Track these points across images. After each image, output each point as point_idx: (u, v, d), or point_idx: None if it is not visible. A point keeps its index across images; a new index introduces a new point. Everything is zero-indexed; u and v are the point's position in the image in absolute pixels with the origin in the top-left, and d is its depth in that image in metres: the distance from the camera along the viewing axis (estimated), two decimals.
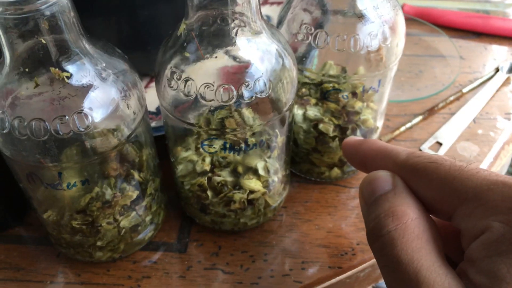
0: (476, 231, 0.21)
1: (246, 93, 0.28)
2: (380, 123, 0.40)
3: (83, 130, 0.26)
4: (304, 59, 0.35)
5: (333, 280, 0.35)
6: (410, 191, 0.24)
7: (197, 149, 0.34)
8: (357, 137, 0.32)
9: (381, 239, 0.22)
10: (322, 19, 0.33)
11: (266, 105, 0.30)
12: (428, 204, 0.24)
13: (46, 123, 0.25)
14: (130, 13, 0.42)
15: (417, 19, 0.60)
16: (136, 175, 0.32)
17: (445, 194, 0.23)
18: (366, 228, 0.25)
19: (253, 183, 0.34)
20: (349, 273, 0.36)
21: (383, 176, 0.25)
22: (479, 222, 0.21)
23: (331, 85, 0.36)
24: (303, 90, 0.38)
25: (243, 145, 0.32)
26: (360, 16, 0.31)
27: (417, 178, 0.24)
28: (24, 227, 0.39)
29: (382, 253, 0.22)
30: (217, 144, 0.32)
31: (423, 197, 0.24)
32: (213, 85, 0.28)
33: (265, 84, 0.28)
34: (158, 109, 0.44)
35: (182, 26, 0.28)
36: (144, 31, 0.43)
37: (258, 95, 0.28)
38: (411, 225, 0.22)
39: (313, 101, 0.38)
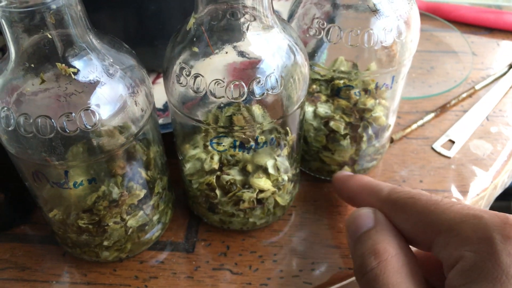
0: (452, 260, 0.23)
1: (257, 90, 0.27)
2: (392, 120, 0.39)
3: (90, 127, 0.25)
4: (314, 54, 0.34)
5: (344, 282, 0.34)
6: (391, 226, 0.27)
7: (205, 147, 0.33)
8: (346, 172, 0.36)
9: (365, 276, 0.25)
10: (335, 13, 0.32)
11: (277, 102, 0.29)
12: (408, 236, 0.26)
13: (52, 120, 0.25)
14: (136, 8, 0.41)
15: (429, 14, 0.59)
16: (143, 173, 0.32)
17: (423, 227, 0.25)
18: (353, 264, 0.27)
19: (262, 182, 0.33)
20: None
21: (365, 213, 0.28)
22: (454, 252, 0.23)
23: (342, 81, 0.35)
24: (314, 86, 0.37)
25: (252, 143, 0.31)
26: (374, 10, 0.30)
27: (397, 213, 0.27)
28: (30, 225, 0.38)
29: None
30: (226, 142, 0.31)
31: (404, 230, 0.27)
32: (223, 82, 0.27)
33: (276, 81, 0.27)
34: (165, 105, 0.44)
35: (192, 21, 0.28)
36: (151, 26, 0.42)
37: (270, 92, 0.27)
38: (391, 261, 0.25)
39: (324, 98, 0.37)
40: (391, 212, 0.27)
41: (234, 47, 0.27)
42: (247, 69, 0.27)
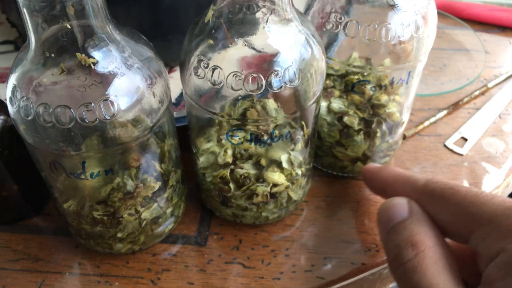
0: (492, 253, 0.23)
1: (275, 82, 0.27)
2: (406, 117, 0.39)
3: (109, 118, 0.25)
4: (327, 49, 0.34)
5: (357, 277, 0.34)
6: (426, 218, 0.26)
7: (219, 140, 0.33)
8: (376, 164, 0.35)
9: (401, 267, 0.25)
10: (351, 7, 0.32)
11: (294, 96, 0.29)
12: (445, 227, 0.26)
13: (72, 110, 0.25)
14: (151, 2, 0.41)
15: (441, 12, 0.59)
16: (158, 166, 0.32)
17: (461, 219, 0.25)
18: (386, 255, 0.27)
19: (276, 176, 0.33)
20: (373, 270, 0.35)
21: (400, 203, 0.27)
22: (494, 245, 0.23)
23: (356, 77, 0.35)
24: (327, 81, 0.37)
25: (265, 137, 0.31)
26: (392, 5, 0.30)
27: (435, 203, 0.26)
28: (42, 217, 0.38)
29: (404, 280, 0.25)
30: (242, 135, 0.31)
31: (441, 221, 0.26)
32: (241, 74, 0.27)
33: (294, 74, 0.27)
34: (177, 99, 0.44)
35: (210, 13, 0.28)
36: (165, 21, 0.42)
37: (288, 85, 0.27)
38: (428, 252, 0.24)
39: (337, 93, 0.37)
40: (427, 202, 0.27)
41: (253, 39, 0.27)
42: (265, 62, 0.27)
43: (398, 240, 0.26)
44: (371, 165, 0.35)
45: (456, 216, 0.25)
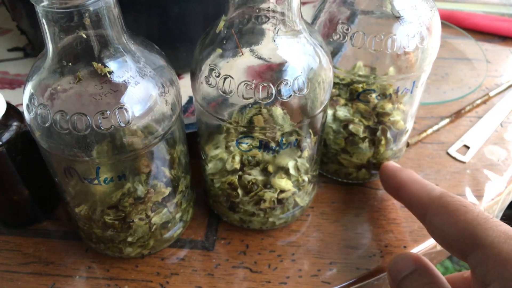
0: (487, 279, 0.24)
1: (284, 91, 0.28)
2: (410, 125, 0.40)
3: (123, 125, 0.26)
4: (333, 58, 0.35)
5: (362, 283, 0.35)
6: (431, 269, 0.28)
7: (227, 147, 0.34)
8: (395, 163, 0.37)
9: None
10: (357, 19, 0.33)
11: (302, 104, 0.30)
12: (449, 240, 0.27)
13: (88, 118, 0.25)
14: (160, 11, 0.42)
15: (443, 22, 0.60)
16: (167, 172, 0.33)
17: (466, 236, 0.26)
18: None
19: (284, 183, 0.34)
20: (378, 275, 0.35)
21: (406, 258, 0.29)
22: (490, 270, 0.24)
23: (361, 85, 0.36)
24: (333, 90, 0.38)
25: (273, 145, 0.32)
26: (398, 16, 0.31)
27: (446, 216, 0.28)
28: (53, 221, 0.39)
29: None
30: (251, 142, 0.32)
31: (446, 233, 0.28)
32: (252, 83, 0.28)
33: (303, 83, 0.28)
34: (184, 106, 0.45)
35: (222, 23, 0.28)
36: (173, 29, 0.43)
37: (297, 94, 0.28)
38: None
39: (343, 101, 0.38)
40: (439, 212, 0.28)
41: (263, 49, 0.28)
42: (274, 71, 0.28)
43: None
44: (391, 163, 0.36)
45: (462, 232, 0.26)
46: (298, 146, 0.33)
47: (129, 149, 0.28)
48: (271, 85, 0.28)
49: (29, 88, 0.27)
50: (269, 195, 0.34)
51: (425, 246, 0.37)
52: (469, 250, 0.25)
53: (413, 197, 0.31)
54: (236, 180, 0.34)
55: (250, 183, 0.34)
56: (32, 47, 0.53)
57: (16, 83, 0.47)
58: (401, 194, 0.33)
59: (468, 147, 0.45)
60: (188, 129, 0.38)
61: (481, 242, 0.25)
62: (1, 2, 0.59)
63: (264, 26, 0.28)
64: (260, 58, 0.28)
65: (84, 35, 0.25)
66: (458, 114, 0.48)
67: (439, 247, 0.37)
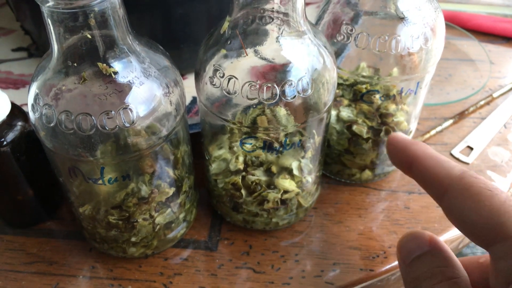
0: (510, 275, 0.22)
1: (289, 92, 0.28)
2: (413, 126, 0.40)
3: (128, 125, 0.26)
4: (336, 58, 0.35)
5: (366, 283, 0.35)
6: (446, 250, 0.26)
7: (231, 147, 0.34)
8: (405, 135, 0.31)
9: None
10: (361, 20, 0.33)
11: (306, 105, 0.30)
12: (471, 226, 0.24)
13: (93, 118, 0.25)
14: (164, 11, 0.42)
15: (446, 23, 0.59)
16: (171, 172, 0.33)
17: (492, 224, 0.23)
18: (405, 286, 0.26)
19: (287, 183, 0.34)
20: (381, 276, 0.35)
21: (420, 237, 0.27)
22: None
23: (364, 86, 0.36)
24: (337, 91, 0.38)
25: (277, 145, 0.32)
26: (402, 18, 0.31)
27: (469, 199, 0.24)
28: (56, 221, 0.39)
29: None
30: (255, 143, 0.32)
31: (468, 219, 0.24)
32: (256, 84, 0.28)
33: (307, 84, 0.28)
34: (188, 106, 0.45)
35: (226, 24, 0.28)
36: (177, 30, 0.43)
37: (301, 94, 0.28)
38: (445, 285, 0.24)
39: (346, 102, 0.38)
40: (461, 194, 0.25)
41: (267, 50, 0.28)
42: (278, 72, 0.28)
43: (417, 272, 0.25)
44: (399, 135, 0.31)
45: (487, 220, 0.23)
46: (302, 146, 0.33)
47: (133, 149, 0.28)
48: (275, 85, 0.28)
49: (34, 88, 0.27)
50: (272, 195, 0.34)
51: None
52: (493, 240, 0.23)
53: (430, 174, 0.27)
54: (240, 180, 0.34)
55: (254, 183, 0.34)
56: (36, 47, 0.53)
57: (20, 83, 0.48)
58: (414, 170, 0.29)
59: (471, 148, 0.45)
60: (192, 130, 0.38)
61: (508, 233, 0.22)
62: (5, 2, 0.59)
63: (269, 26, 0.28)
64: (264, 58, 0.28)
65: (89, 36, 0.25)
66: (461, 115, 0.48)
67: None
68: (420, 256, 0.26)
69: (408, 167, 0.29)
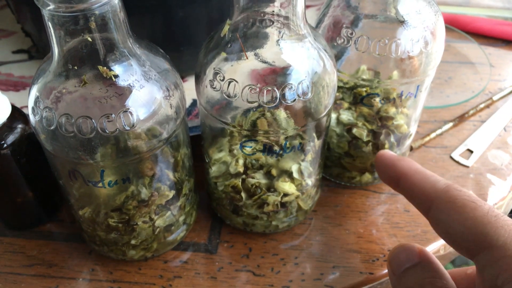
0: (498, 281, 0.22)
1: (289, 96, 0.28)
2: (413, 129, 0.40)
3: (128, 128, 0.26)
4: (336, 61, 0.35)
5: (365, 287, 0.35)
6: (435, 262, 0.27)
7: (231, 150, 0.34)
8: (391, 152, 0.33)
9: None
10: (362, 23, 0.33)
11: (306, 108, 0.30)
12: (456, 238, 0.26)
13: (93, 121, 0.26)
14: (165, 14, 0.42)
15: (446, 26, 0.59)
16: (171, 175, 0.33)
17: (476, 235, 0.24)
18: None
19: (287, 186, 0.34)
20: (381, 280, 0.35)
21: (409, 249, 0.28)
22: (500, 274, 0.22)
23: (364, 89, 0.36)
24: (337, 94, 0.38)
25: (277, 148, 0.32)
26: (402, 21, 0.31)
27: (453, 212, 0.26)
28: (56, 223, 0.39)
29: None
30: (255, 146, 0.32)
31: (452, 231, 0.26)
32: (256, 87, 0.28)
33: (308, 87, 0.28)
34: (188, 109, 0.45)
35: (226, 27, 0.28)
36: (177, 32, 0.43)
37: (301, 98, 0.28)
38: None
39: (346, 105, 0.38)
40: (445, 207, 0.26)
41: (268, 53, 0.28)
42: (278, 75, 0.28)
43: (408, 283, 0.26)
44: (387, 152, 0.33)
45: (471, 230, 0.24)
46: (302, 149, 0.33)
47: (134, 152, 0.28)
48: (275, 89, 0.28)
49: (34, 91, 0.27)
50: (272, 198, 0.34)
51: (428, 251, 0.37)
52: (477, 249, 0.24)
53: (416, 189, 0.29)
54: (240, 183, 0.34)
55: (254, 186, 0.34)
56: (36, 50, 0.53)
57: (20, 85, 0.48)
58: (401, 186, 0.31)
59: (471, 151, 0.45)
60: (192, 132, 0.38)
61: (492, 242, 0.23)
62: (5, 4, 0.59)
63: (269, 30, 0.28)
64: (264, 62, 0.28)
65: (89, 39, 0.25)
66: (461, 118, 0.48)
67: (442, 252, 0.37)
68: (410, 268, 0.27)
69: (395, 183, 0.31)
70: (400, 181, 0.31)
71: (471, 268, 0.29)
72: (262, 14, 0.27)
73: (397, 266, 0.28)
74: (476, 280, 0.24)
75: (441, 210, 0.26)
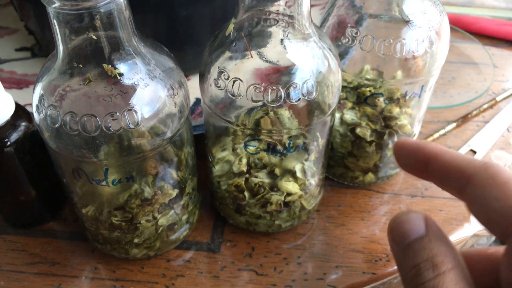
0: None
1: (293, 95, 0.28)
2: (417, 129, 0.39)
3: (133, 127, 0.26)
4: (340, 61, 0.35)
5: (368, 286, 0.35)
6: (444, 235, 0.25)
7: (234, 149, 0.34)
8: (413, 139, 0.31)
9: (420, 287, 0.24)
10: (366, 23, 0.33)
11: (310, 108, 0.30)
12: (492, 216, 0.24)
13: (98, 119, 0.25)
14: (168, 12, 0.42)
15: (450, 26, 0.59)
16: (174, 174, 0.33)
17: None
18: (401, 271, 0.25)
19: (291, 186, 0.34)
20: (383, 279, 0.35)
21: (415, 218, 0.25)
22: None
23: (368, 89, 0.36)
24: (340, 93, 0.38)
25: (280, 148, 0.32)
26: (407, 21, 0.31)
27: (494, 188, 0.24)
28: (59, 222, 0.39)
29: None
30: (259, 145, 0.32)
31: (491, 208, 0.24)
32: (261, 86, 0.28)
33: (312, 86, 0.28)
34: (191, 108, 0.45)
35: (231, 26, 0.28)
36: (181, 31, 0.43)
37: (306, 97, 0.28)
38: (449, 274, 0.23)
39: (350, 104, 0.38)
40: (485, 183, 0.24)
41: (272, 52, 0.28)
42: (284, 74, 0.28)
43: (417, 260, 0.24)
44: (408, 138, 0.30)
45: (510, 209, 0.23)
46: (306, 149, 0.33)
47: (137, 150, 0.28)
48: (280, 88, 0.28)
49: (39, 89, 0.27)
50: (275, 198, 0.34)
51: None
52: None
53: (450, 166, 0.26)
54: (243, 182, 0.34)
55: (257, 185, 0.34)
56: (39, 47, 0.53)
57: (23, 83, 0.48)
58: (432, 167, 0.28)
59: (474, 152, 0.45)
60: (195, 131, 0.38)
61: None
62: (9, 2, 0.59)
63: (274, 29, 0.28)
64: (269, 61, 0.28)
65: (94, 37, 0.25)
66: (464, 119, 0.48)
67: None
68: (417, 240, 0.25)
69: (422, 168, 0.28)
70: (430, 163, 0.28)
71: (493, 248, 0.27)
72: (267, 13, 0.27)
73: (401, 238, 0.25)
74: (504, 260, 0.23)
75: (480, 186, 0.24)
